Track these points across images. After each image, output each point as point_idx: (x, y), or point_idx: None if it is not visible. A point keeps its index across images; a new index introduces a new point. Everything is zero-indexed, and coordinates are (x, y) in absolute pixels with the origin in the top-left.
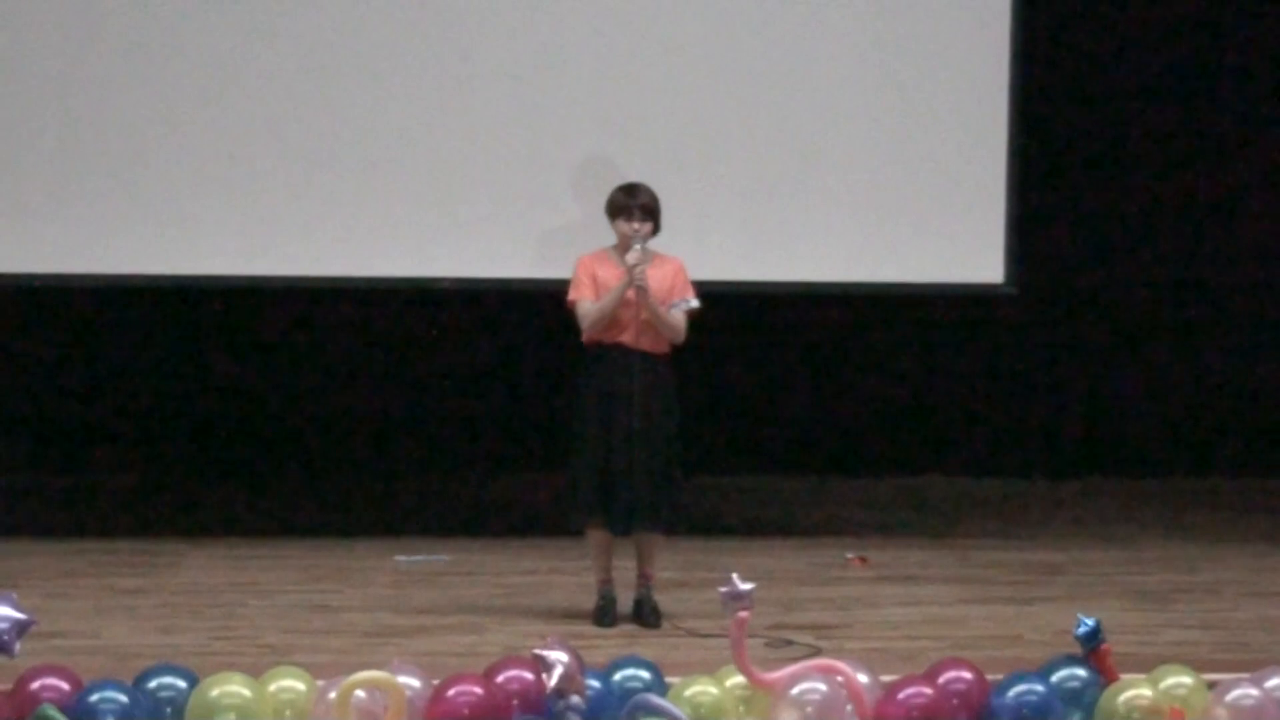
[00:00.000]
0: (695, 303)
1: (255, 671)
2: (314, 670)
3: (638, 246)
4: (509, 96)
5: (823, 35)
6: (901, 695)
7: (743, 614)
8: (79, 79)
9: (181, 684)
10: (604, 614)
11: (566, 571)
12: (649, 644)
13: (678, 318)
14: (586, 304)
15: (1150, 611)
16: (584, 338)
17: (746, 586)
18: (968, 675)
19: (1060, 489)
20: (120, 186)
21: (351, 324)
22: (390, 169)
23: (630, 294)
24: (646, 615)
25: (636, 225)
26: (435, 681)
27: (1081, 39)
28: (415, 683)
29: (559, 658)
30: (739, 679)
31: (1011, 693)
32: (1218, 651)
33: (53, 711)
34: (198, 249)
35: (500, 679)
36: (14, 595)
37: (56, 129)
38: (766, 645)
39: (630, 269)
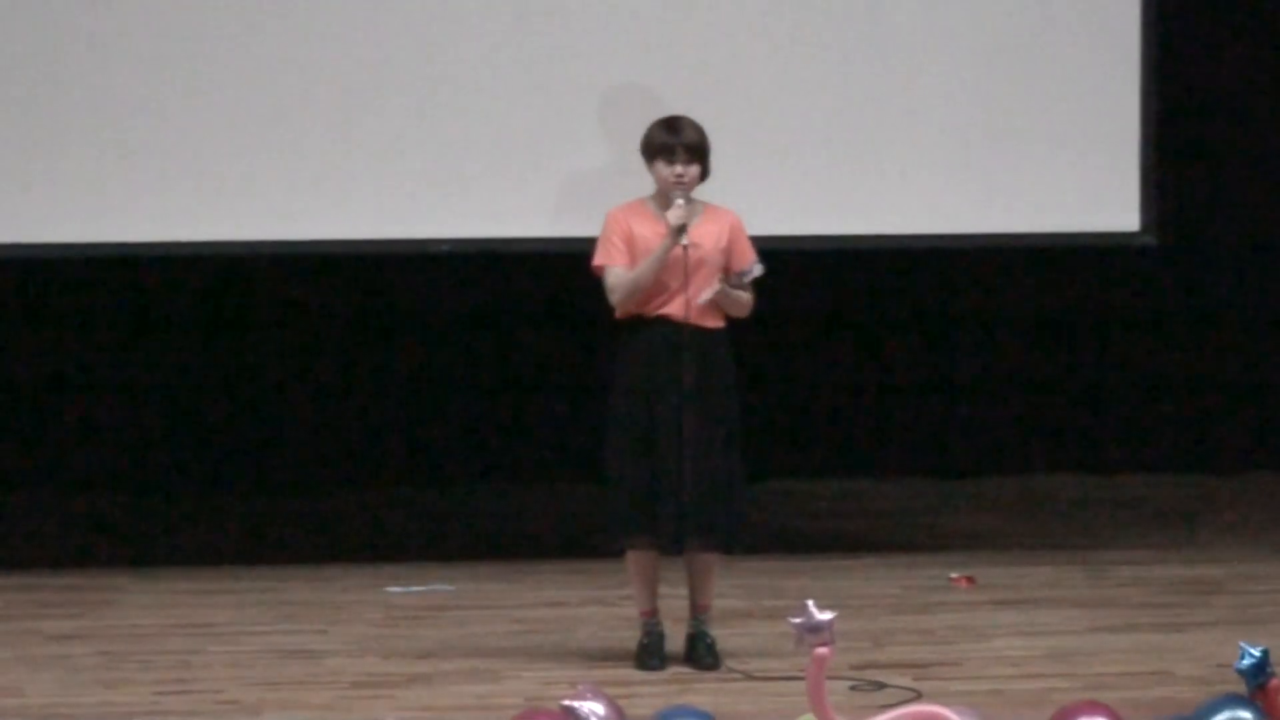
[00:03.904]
0: (761, 268)
1: None
2: None
3: (680, 201)
4: (519, 11)
5: None
6: None
7: (821, 650)
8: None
9: None
10: (649, 654)
11: (602, 603)
12: (705, 690)
13: (745, 292)
14: (618, 271)
15: None
16: (618, 312)
17: (825, 616)
18: None
19: (1216, 487)
20: (53, 141)
21: (328, 298)
22: (373, 105)
23: (677, 251)
24: (702, 654)
25: (680, 169)
26: None
27: None
28: None
29: (593, 710)
30: None
31: None
32: None
33: None
34: (132, 211)
35: None
36: None
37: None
38: (852, 689)
39: (673, 231)
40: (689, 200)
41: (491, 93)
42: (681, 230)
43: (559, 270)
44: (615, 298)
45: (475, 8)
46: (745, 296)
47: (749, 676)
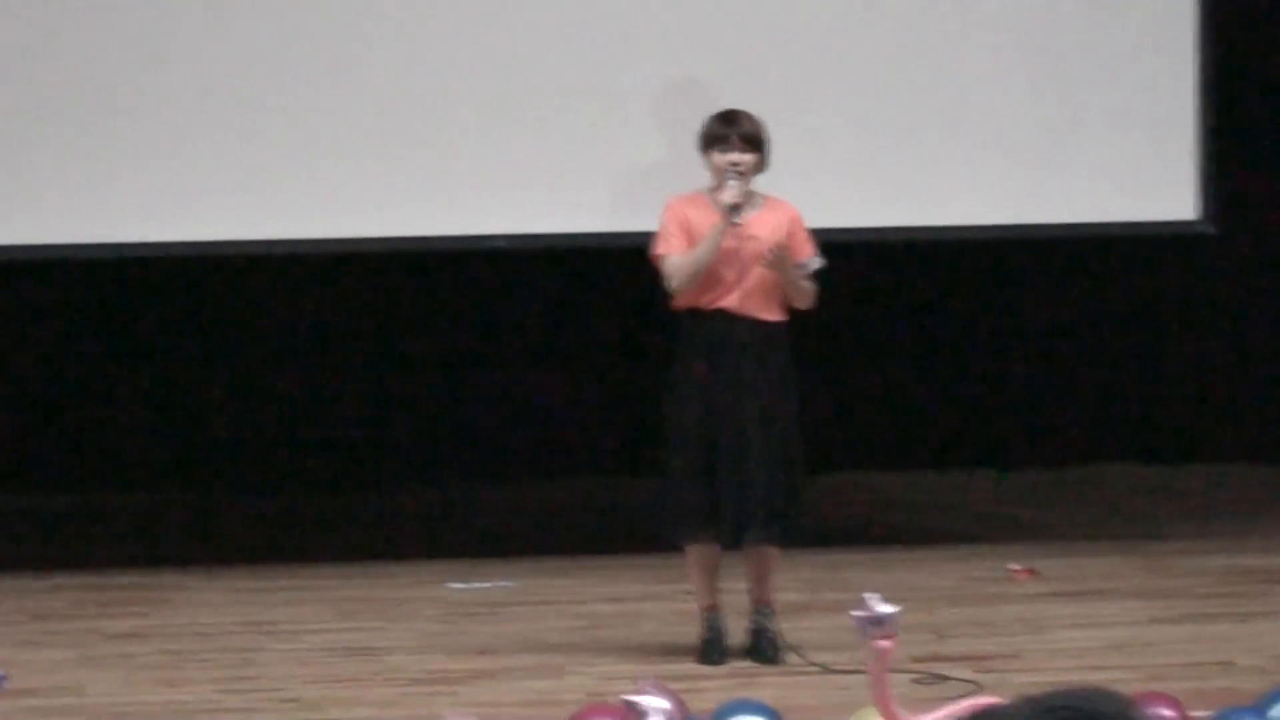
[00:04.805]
0: (820, 261)
1: None
2: None
3: (733, 182)
4: (574, 6)
5: None
6: None
7: (883, 643)
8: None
9: None
10: (711, 648)
11: (662, 597)
12: (767, 684)
13: (808, 282)
14: (675, 259)
15: None
16: (675, 302)
17: (887, 610)
18: (1168, 713)
19: (1278, 476)
20: (74, 133)
21: (386, 297)
22: (425, 99)
23: (731, 243)
24: (764, 648)
25: (735, 156)
26: None
27: None
28: None
29: (656, 705)
30: None
31: None
32: None
33: None
34: (189, 212)
35: None
36: None
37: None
38: (914, 681)
39: (725, 211)
40: (749, 192)
41: (548, 88)
42: (735, 209)
43: (616, 264)
44: (673, 284)
45: (532, 3)
46: (808, 285)
47: (812, 669)
